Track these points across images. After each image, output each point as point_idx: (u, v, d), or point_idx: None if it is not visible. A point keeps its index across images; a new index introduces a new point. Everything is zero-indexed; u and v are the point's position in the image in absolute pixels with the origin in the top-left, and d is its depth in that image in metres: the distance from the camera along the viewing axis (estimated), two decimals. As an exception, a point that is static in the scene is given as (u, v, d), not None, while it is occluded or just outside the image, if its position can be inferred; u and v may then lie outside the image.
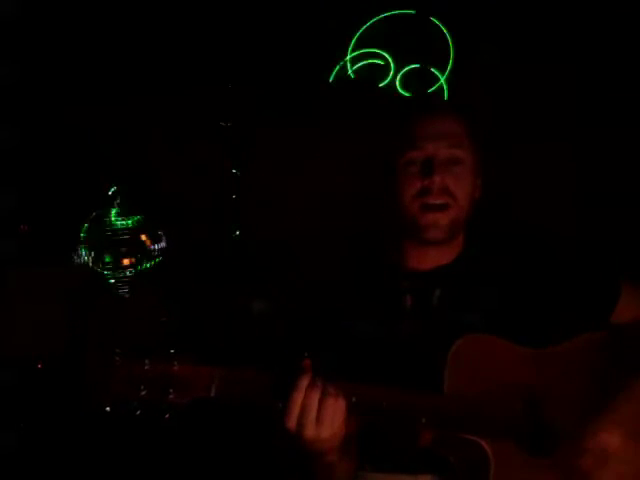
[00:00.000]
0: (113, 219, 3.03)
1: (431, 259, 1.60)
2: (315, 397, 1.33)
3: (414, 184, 1.54)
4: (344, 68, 3.98)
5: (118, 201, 3.03)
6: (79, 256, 3.01)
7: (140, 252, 3.07)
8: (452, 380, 1.42)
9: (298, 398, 1.33)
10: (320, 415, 1.33)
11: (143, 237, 3.06)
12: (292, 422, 1.33)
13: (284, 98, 3.76)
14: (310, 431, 1.33)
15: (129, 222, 3.02)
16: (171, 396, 1.30)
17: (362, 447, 1.50)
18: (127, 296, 3.01)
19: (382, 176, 1.62)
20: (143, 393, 1.29)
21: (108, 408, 1.28)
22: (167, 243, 3.18)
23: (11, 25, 3.16)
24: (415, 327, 1.55)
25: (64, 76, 3.58)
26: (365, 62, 3.99)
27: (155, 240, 3.10)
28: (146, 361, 1.31)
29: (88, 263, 3.01)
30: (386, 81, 3.99)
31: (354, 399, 1.36)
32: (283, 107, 3.75)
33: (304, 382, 1.34)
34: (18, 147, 3.15)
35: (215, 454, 2.63)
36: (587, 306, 1.57)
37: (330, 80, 3.97)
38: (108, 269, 3.01)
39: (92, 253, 3.00)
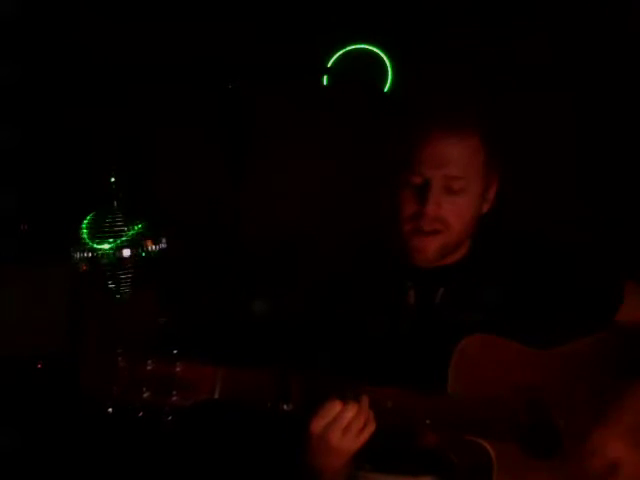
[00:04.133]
0: (113, 220, 3.01)
1: None
2: (351, 413, 1.32)
3: (409, 206, 1.51)
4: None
5: (117, 201, 3.02)
6: (79, 256, 3.00)
7: (141, 253, 3.07)
8: (456, 380, 1.42)
9: (335, 408, 1.32)
10: (348, 429, 1.32)
11: (145, 239, 3.05)
12: (317, 428, 1.32)
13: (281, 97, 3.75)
14: (334, 440, 1.32)
15: (131, 226, 3.01)
16: (174, 398, 1.30)
17: (362, 447, 1.50)
18: (128, 296, 3.00)
19: (381, 185, 1.58)
20: (145, 395, 1.29)
21: (110, 410, 1.28)
22: (167, 243, 3.17)
23: (11, 25, 3.16)
24: (417, 324, 1.55)
25: (64, 76, 3.57)
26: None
27: (156, 241, 3.09)
28: (148, 362, 1.31)
29: (88, 263, 3.00)
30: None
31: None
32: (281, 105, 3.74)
33: (348, 395, 1.33)
34: (18, 147, 3.15)
35: (218, 458, 2.62)
36: (591, 307, 1.57)
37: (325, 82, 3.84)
38: (108, 268, 3.00)
39: (92, 253, 2.98)
